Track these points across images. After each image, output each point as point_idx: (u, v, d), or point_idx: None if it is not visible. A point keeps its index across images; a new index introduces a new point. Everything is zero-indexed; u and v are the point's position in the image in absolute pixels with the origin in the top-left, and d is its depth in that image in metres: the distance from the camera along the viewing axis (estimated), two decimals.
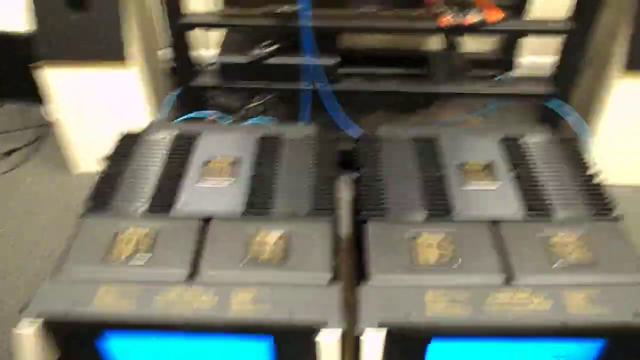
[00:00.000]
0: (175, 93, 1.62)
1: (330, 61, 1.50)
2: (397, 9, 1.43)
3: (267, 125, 1.34)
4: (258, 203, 1.00)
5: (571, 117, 1.53)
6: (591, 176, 1.06)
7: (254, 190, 1.02)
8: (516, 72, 2.00)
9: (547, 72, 2.11)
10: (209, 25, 1.52)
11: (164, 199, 1.01)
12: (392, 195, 1.02)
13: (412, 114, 1.80)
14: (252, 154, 1.11)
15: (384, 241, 0.93)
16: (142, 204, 1.00)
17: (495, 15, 1.40)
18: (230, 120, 1.68)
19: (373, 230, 0.95)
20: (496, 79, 1.93)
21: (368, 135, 1.15)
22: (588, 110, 1.60)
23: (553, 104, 1.52)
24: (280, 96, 1.87)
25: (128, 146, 1.13)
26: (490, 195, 1.02)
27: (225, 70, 1.54)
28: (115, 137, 1.15)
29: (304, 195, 1.02)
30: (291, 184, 1.04)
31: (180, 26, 1.45)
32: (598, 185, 1.05)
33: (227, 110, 1.91)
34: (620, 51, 1.44)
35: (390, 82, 1.56)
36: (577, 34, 1.40)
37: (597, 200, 1.01)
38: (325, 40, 1.48)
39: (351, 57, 1.63)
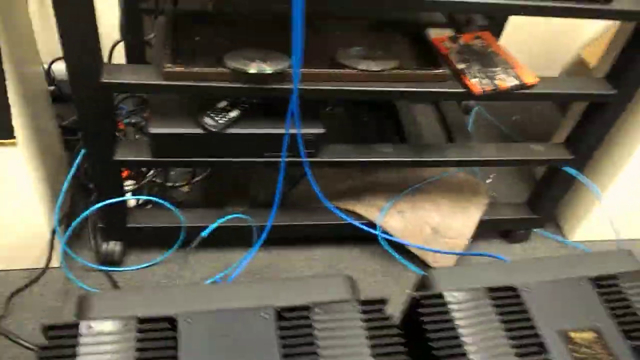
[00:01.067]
0: (73, 168, 1.12)
1: (314, 130, 1.10)
2: (411, 68, 1.05)
3: (273, 283, 0.89)
4: None
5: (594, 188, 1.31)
6: None
7: None
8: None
9: None
10: (147, 89, 1.04)
11: None
12: None
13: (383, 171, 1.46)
14: (274, 346, 0.71)
15: None
16: None
17: (531, 77, 1.09)
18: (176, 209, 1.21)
19: None
20: (471, 115, 1.65)
21: (431, 297, 0.80)
22: (595, 166, 1.38)
23: (571, 172, 1.28)
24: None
25: (65, 354, 0.66)
26: None
27: (163, 143, 1.06)
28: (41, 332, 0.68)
29: None
30: None
31: (101, 87, 0.95)
32: None
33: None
34: None
35: (384, 148, 1.20)
36: (619, 100, 1.14)
37: None
38: (306, 104, 1.07)
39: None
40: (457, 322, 0.78)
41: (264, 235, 1.19)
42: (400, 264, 1.39)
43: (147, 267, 1.29)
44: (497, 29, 1.56)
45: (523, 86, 1.08)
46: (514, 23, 1.54)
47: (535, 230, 1.50)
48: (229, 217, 1.15)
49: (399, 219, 1.33)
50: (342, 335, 0.74)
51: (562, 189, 1.36)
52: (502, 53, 1.15)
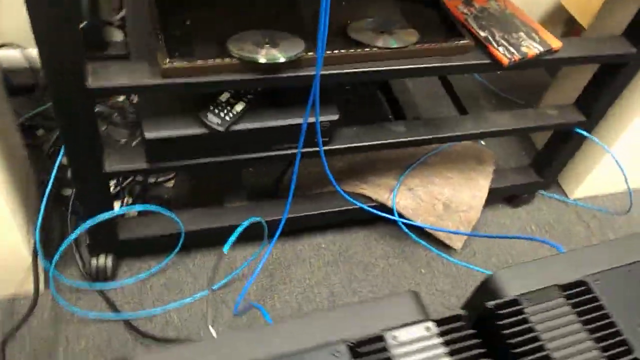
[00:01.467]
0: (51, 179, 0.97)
1: (330, 117, 0.98)
2: (435, 42, 0.95)
3: (331, 313, 0.75)
4: None
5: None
6: None
7: None
8: None
9: None
10: (143, 91, 0.89)
11: None
12: None
13: None
14: None
15: None
16: None
17: (555, 40, 1.01)
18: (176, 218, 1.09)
19: None
20: None
21: (506, 305, 0.73)
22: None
23: (580, 133, 1.23)
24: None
25: None
26: None
27: (161, 148, 0.93)
28: None
29: None
30: None
31: (88, 93, 0.80)
32: None
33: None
34: None
35: (397, 127, 1.10)
36: (638, 59, 1.08)
37: None
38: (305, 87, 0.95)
39: None
40: (537, 328, 0.72)
41: (277, 233, 1.08)
42: (410, 243, 1.32)
43: (144, 278, 1.17)
44: None
45: (550, 51, 1.00)
46: None
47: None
48: (246, 223, 1.03)
49: (411, 197, 1.26)
50: None
51: (570, 150, 1.31)
52: (520, 15, 1.06)
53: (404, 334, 0.68)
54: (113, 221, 1.07)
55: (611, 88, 1.15)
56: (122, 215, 1.16)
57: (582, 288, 0.77)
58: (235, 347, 0.64)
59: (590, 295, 0.76)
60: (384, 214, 1.19)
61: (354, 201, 1.18)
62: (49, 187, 0.98)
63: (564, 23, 1.84)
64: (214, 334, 1.05)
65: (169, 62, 0.81)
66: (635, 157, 1.36)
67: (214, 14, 0.95)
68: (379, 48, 0.92)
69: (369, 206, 1.21)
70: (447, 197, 1.28)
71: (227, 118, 0.92)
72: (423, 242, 1.31)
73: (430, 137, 1.11)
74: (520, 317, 0.72)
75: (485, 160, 1.37)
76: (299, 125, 0.93)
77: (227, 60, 0.84)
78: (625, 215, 1.47)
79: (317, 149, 0.97)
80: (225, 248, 0.97)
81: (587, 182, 1.45)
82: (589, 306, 0.75)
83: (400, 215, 1.23)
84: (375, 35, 0.94)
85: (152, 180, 1.31)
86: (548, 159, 1.35)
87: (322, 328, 0.68)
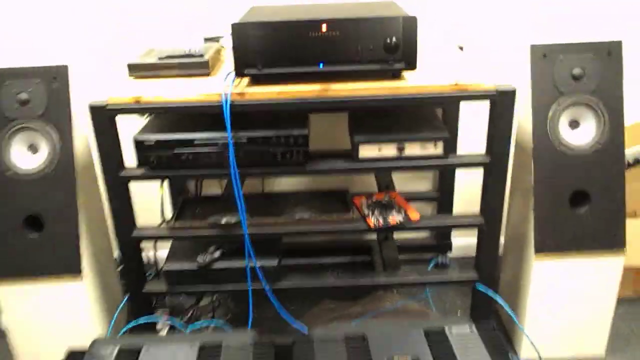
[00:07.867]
0: (124, 301, 1.70)
1: (271, 262, 1.62)
2: (329, 215, 1.60)
3: (207, 334, 1.40)
4: None
5: (498, 299, 1.66)
6: None
7: None
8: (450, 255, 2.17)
9: None
10: (160, 238, 1.66)
11: None
12: None
13: (355, 302, 1.90)
14: None
15: None
16: None
17: (415, 214, 1.58)
18: (180, 324, 1.74)
19: None
20: (432, 264, 2.08)
21: (302, 339, 1.23)
22: (514, 291, 1.73)
23: (480, 288, 1.65)
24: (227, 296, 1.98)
25: None
26: None
27: (174, 277, 1.63)
28: (60, 355, 1.19)
29: None
30: None
31: (132, 239, 1.57)
32: None
33: (177, 311, 1.98)
34: (530, 235, 1.61)
35: (329, 277, 1.68)
36: (488, 227, 1.57)
37: None
38: (267, 243, 1.62)
39: (296, 252, 1.83)
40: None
41: None
42: None
43: None
44: None
45: (407, 221, 1.57)
46: None
47: None
48: None
49: None
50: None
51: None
52: (399, 200, 1.66)
53: None
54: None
55: (483, 245, 1.62)
56: None
57: (360, 336, 1.23)
58: None
59: (363, 339, 1.22)
60: None
61: None
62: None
63: None
64: None
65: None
66: None
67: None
68: (296, 219, 1.59)
69: None
70: None
71: (208, 260, 1.62)
72: None
73: (349, 285, 1.65)
74: (308, 353, 1.21)
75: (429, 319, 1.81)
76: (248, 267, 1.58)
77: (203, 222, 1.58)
78: None
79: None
80: None
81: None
82: (359, 343, 1.20)
83: None
84: (300, 216, 1.62)
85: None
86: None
87: None
